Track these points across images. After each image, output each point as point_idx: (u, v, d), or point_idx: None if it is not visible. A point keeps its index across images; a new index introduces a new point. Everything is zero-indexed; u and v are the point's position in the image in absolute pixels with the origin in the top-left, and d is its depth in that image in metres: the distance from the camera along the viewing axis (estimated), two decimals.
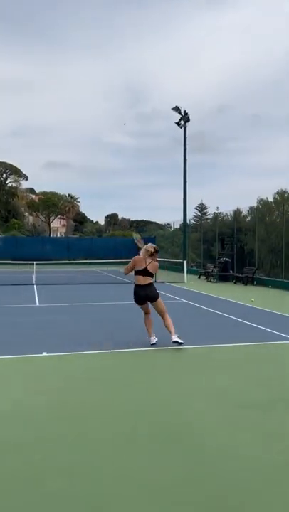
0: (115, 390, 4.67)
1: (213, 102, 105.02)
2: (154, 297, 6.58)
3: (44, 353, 6.19)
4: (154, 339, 6.62)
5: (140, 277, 6.58)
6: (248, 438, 3.49)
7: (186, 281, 18.68)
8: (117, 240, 40.07)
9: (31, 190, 67.33)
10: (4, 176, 59.47)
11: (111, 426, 3.74)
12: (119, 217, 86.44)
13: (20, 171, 58.84)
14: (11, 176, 58.44)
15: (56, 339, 7.21)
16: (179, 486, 2.77)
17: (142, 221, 68.37)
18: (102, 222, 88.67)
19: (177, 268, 23.40)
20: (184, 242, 24.05)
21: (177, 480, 2.84)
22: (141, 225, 60.67)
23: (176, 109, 23.62)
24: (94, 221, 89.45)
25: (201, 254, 25.52)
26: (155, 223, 48.31)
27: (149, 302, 6.65)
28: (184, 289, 15.97)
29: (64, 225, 74.41)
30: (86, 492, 2.70)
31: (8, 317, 9.51)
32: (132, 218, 79.99)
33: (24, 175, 59.59)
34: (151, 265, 6.67)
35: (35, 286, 16.24)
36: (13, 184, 58.25)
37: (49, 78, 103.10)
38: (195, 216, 50.75)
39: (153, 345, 6.50)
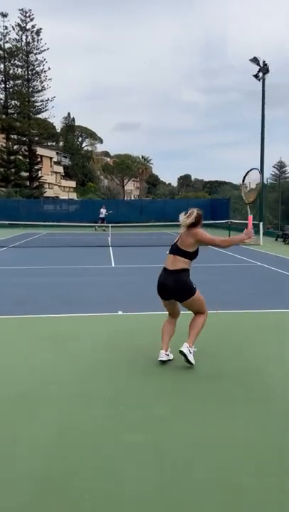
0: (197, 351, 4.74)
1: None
2: (179, 293, 4.16)
3: (120, 312, 6.45)
4: (165, 354, 4.26)
5: (169, 256, 4.29)
6: None
7: (261, 243, 18.04)
8: (190, 202, 39.51)
9: (106, 154, 68.35)
10: (80, 139, 60.85)
11: (195, 386, 3.84)
12: (192, 178, 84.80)
13: (96, 134, 59.83)
14: (87, 140, 59.69)
15: (132, 299, 7.45)
16: (259, 450, 2.80)
17: (216, 182, 66.50)
18: (174, 183, 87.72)
19: (253, 230, 22.62)
20: (260, 202, 23.04)
21: (260, 443, 2.88)
22: (215, 186, 59.06)
23: (254, 60, 22.02)
24: (167, 183, 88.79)
25: (278, 215, 24.34)
26: (230, 184, 46.73)
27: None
28: (259, 251, 15.47)
29: (137, 188, 74.98)
30: (168, 448, 2.84)
31: (87, 277, 9.99)
32: (206, 179, 78.05)
33: (99, 138, 60.57)
34: (186, 237, 4.19)
35: (110, 248, 16.78)
36: (89, 148, 59.54)
37: (120, 37, 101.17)
38: (273, 175, 48.18)
39: (161, 361, 4.24)
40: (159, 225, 27.75)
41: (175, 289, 4.15)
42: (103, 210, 28.22)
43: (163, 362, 4.24)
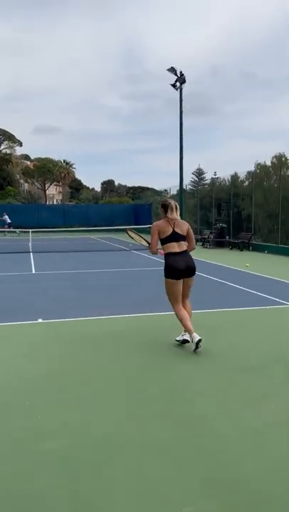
0: (112, 355, 4.76)
1: (206, 64, 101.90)
2: (193, 268, 4.96)
3: (40, 320, 6.27)
4: (197, 334, 4.74)
5: (173, 244, 4.89)
6: (243, 399, 3.61)
7: None
8: (113, 207, 39.76)
9: (26, 157, 66.18)
10: None
11: (109, 390, 3.84)
12: (116, 183, 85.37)
13: (14, 137, 57.63)
14: (5, 142, 57.30)
15: (52, 306, 7.28)
16: (174, 445, 2.88)
17: (139, 187, 67.66)
18: (98, 188, 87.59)
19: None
20: (180, 208, 23.86)
21: (174, 439, 2.96)
22: (138, 191, 60.07)
23: (172, 70, 22.83)
24: (90, 188, 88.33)
25: (197, 220, 25.42)
26: (152, 189, 47.81)
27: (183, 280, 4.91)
28: None
29: (60, 192, 73.58)
30: (83, 452, 2.81)
31: (4, 284, 9.56)
32: (129, 184, 79.08)
33: (18, 141, 58.42)
34: (182, 225, 5.01)
35: (31, 253, 16.26)
36: (7, 150, 57.18)
37: (40, 39, 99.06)
38: (192, 181, 50.16)
39: (199, 341, 4.68)
40: (83, 229, 27.51)
41: (192, 265, 4.94)
42: (6, 217, 27.75)
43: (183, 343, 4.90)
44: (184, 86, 23.04)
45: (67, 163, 62.66)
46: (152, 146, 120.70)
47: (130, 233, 6.25)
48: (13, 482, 2.48)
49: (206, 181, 49.68)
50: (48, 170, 56.83)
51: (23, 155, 64.46)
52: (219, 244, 19.82)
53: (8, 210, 35.11)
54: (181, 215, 20.98)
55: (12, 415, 3.32)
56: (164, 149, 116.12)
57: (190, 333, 4.79)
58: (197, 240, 21.99)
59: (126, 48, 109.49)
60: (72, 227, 30.46)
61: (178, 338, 5.04)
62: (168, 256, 4.90)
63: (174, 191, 29.38)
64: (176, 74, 22.95)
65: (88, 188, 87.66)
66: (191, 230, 5.13)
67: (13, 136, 57.08)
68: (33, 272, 11.71)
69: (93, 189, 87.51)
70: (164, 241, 4.91)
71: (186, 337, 4.90)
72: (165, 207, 5.03)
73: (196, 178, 52.85)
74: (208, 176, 48.66)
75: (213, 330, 5.76)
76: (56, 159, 60.35)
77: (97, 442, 2.91)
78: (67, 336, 5.50)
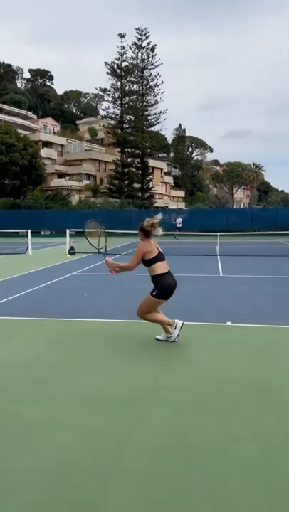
0: None
1: None
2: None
3: (228, 323, 6.33)
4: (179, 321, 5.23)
5: (162, 264, 5.11)
6: None
7: None
8: None
9: (215, 162, 68.11)
10: (190, 149, 61.65)
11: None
12: None
13: (206, 144, 60.04)
14: (197, 150, 60.25)
15: (240, 310, 7.26)
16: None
17: None
18: (288, 190, 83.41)
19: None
20: None
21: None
22: None
23: None
24: (279, 190, 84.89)
25: None
26: None
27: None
28: None
29: (247, 196, 72.99)
30: (273, 460, 2.71)
31: (194, 286, 10.01)
32: None
33: (209, 147, 60.63)
34: (158, 245, 5.32)
35: (218, 257, 16.58)
36: (199, 157, 59.98)
37: (231, 47, 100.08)
38: None
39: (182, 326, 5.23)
40: (271, 233, 26.62)
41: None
42: (179, 220, 30.58)
43: None
44: None
45: (256, 166, 61.76)
46: None
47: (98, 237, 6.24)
48: (210, 483, 2.56)
49: None
50: (237, 174, 57.13)
51: (212, 161, 66.55)
52: None
53: (197, 215, 36.81)
54: None
55: (205, 413, 3.44)
56: None
57: (171, 324, 5.13)
58: None
59: None
60: (260, 231, 29.77)
61: (161, 338, 5.24)
62: (162, 276, 5.07)
63: None
64: None
65: (277, 190, 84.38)
66: None
67: (204, 143, 59.50)
68: (220, 274, 11.91)
69: (283, 191, 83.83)
70: (153, 261, 5.05)
71: (174, 332, 5.14)
72: (144, 230, 5.15)
73: None
74: None
75: None
76: (245, 163, 60.18)
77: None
78: (256, 342, 5.39)
